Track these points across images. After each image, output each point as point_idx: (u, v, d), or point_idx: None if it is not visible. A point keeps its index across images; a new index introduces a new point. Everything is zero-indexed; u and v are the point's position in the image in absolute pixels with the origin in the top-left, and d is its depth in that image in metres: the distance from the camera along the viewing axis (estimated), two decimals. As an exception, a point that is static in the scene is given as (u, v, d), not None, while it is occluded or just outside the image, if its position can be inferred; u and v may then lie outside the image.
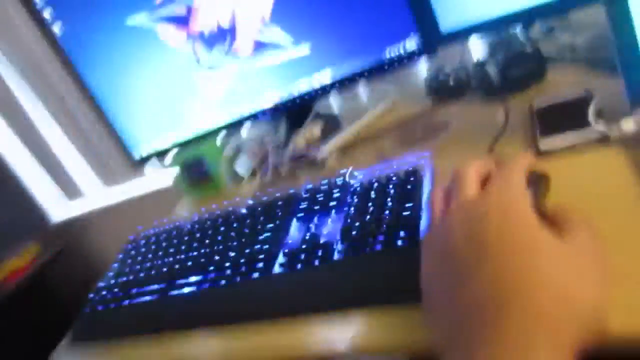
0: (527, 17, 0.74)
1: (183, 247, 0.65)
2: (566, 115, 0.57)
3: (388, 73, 0.90)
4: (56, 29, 0.96)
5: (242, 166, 0.95)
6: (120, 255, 0.73)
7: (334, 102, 1.33)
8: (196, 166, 0.93)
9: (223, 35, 0.90)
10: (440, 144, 0.68)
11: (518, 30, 0.81)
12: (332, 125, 0.96)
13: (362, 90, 1.29)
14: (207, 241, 0.63)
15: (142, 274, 0.65)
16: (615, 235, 0.39)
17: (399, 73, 1.00)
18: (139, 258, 0.68)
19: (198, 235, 0.66)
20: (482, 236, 0.36)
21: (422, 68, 1.21)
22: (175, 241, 0.67)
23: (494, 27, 0.78)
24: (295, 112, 0.98)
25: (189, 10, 0.89)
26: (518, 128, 0.63)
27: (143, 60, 0.95)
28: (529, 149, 0.56)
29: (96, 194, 1.95)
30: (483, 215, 0.37)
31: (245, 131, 1.07)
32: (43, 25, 0.96)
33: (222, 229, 0.64)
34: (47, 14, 0.95)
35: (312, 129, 0.92)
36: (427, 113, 0.83)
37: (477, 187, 0.40)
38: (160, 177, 1.65)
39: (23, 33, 1.66)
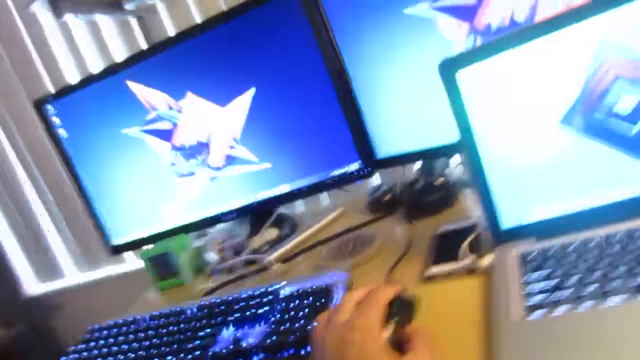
0: (446, 151, 0.91)
1: (135, 345, 0.75)
2: (454, 244, 0.70)
3: (336, 187, 1.05)
4: (62, 132, 1.12)
5: (207, 262, 1.08)
6: (78, 346, 0.83)
7: (297, 205, 1.49)
8: (163, 259, 1.05)
9: (200, 149, 1.06)
10: (363, 258, 0.81)
11: (442, 159, 0.97)
12: (289, 228, 1.10)
13: (322, 197, 1.45)
14: (154, 340, 0.74)
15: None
16: (457, 351, 0.51)
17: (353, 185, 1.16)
18: (95, 352, 0.79)
19: (149, 332, 0.77)
20: (344, 358, 0.48)
21: (375, 181, 1.37)
22: (130, 336, 0.78)
23: (419, 158, 0.95)
24: (258, 214, 1.12)
25: (174, 125, 1.06)
26: (422, 250, 0.77)
27: (132, 163, 1.11)
28: (421, 271, 0.70)
29: (73, 274, 2.06)
30: (346, 340, 0.49)
31: (215, 229, 1.20)
32: (51, 129, 1.12)
33: (170, 328, 0.75)
34: (56, 120, 1.12)
35: (268, 233, 1.05)
36: (363, 226, 0.97)
37: (350, 314, 0.53)
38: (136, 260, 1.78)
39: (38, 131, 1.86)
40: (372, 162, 0.98)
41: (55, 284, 2.10)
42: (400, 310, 0.55)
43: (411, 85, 0.88)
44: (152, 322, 0.80)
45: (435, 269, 0.66)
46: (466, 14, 0.79)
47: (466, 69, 0.62)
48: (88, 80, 1.07)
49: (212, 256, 1.09)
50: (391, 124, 0.93)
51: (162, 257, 1.06)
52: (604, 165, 0.59)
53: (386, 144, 0.96)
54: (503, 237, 0.64)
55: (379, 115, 0.94)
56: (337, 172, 1.00)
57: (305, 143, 1.00)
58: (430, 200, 0.87)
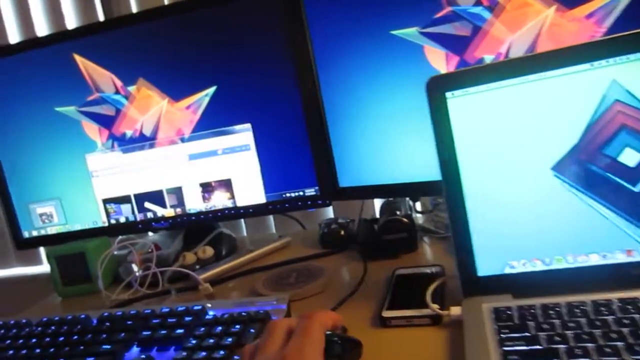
0: (413, 190, 0.83)
1: (9, 352, 0.60)
2: (416, 289, 0.61)
3: (286, 212, 0.95)
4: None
5: (126, 270, 0.93)
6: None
7: (239, 229, 1.37)
8: (75, 261, 0.90)
9: (142, 143, 0.93)
10: (305, 291, 0.70)
11: (407, 199, 0.89)
12: (227, 249, 0.97)
13: (269, 226, 1.34)
14: (36, 350, 0.59)
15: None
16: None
17: (309, 211, 1.05)
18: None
19: (31, 340, 0.62)
20: None
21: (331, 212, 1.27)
22: (7, 342, 0.63)
23: (384, 194, 0.86)
24: (195, 228, 0.99)
25: (117, 112, 0.93)
26: (375, 291, 0.67)
27: (58, 146, 0.96)
28: (373, 313, 0.59)
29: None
30: None
31: (142, 236, 1.06)
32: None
33: (59, 339, 0.61)
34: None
35: (203, 250, 0.92)
36: (310, 258, 0.86)
37: (281, 343, 0.42)
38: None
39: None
40: (331, 190, 0.88)
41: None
42: (342, 349, 0.45)
43: (387, 113, 0.80)
44: (37, 328, 0.65)
45: (393, 313, 0.56)
46: (457, 45, 0.73)
47: (456, 94, 0.55)
48: (29, 44, 0.93)
49: (131, 268, 0.94)
50: (359, 152, 0.84)
51: (74, 258, 0.91)
52: (595, 224, 0.53)
53: (350, 174, 0.87)
54: (475, 287, 0.55)
55: (347, 142, 0.86)
56: (290, 195, 0.90)
57: (260, 157, 0.89)
58: (390, 241, 0.78)
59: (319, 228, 0.95)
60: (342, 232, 0.90)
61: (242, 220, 1.36)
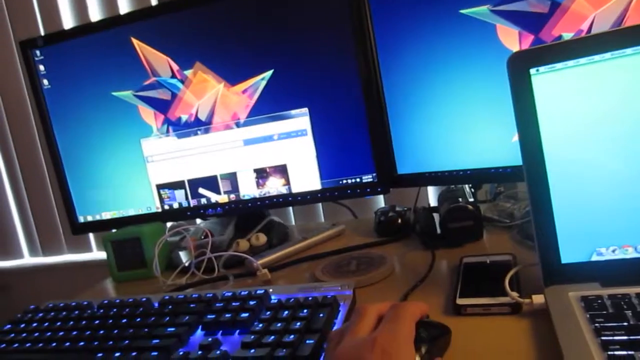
0: (476, 178, 0.80)
1: (74, 333, 0.60)
2: (488, 277, 0.59)
3: (341, 199, 0.93)
4: (45, 82, 0.98)
5: (181, 255, 0.93)
6: (5, 327, 0.67)
7: (290, 218, 1.35)
8: (131, 246, 0.90)
9: (197, 127, 0.93)
10: (369, 279, 0.68)
11: (467, 187, 0.86)
12: (279, 237, 0.96)
13: (319, 215, 1.32)
14: (100, 332, 0.59)
15: (28, 344, 0.60)
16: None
17: (360, 200, 1.03)
18: (23, 335, 0.63)
19: (95, 322, 0.62)
20: None
21: (381, 201, 1.25)
22: (70, 323, 0.63)
23: (444, 181, 0.83)
24: (247, 215, 0.99)
25: (173, 96, 0.93)
26: (442, 279, 0.64)
27: (115, 131, 0.97)
28: (444, 301, 0.57)
29: (28, 255, 1.87)
30: (366, 357, 0.36)
31: (192, 223, 1.06)
32: (33, 76, 0.98)
33: (121, 320, 0.61)
34: (41, 67, 0.98)
35: (256, 237, 0.91)
36: (370, 246, 0.84)
37: (370, 328, 0.40)
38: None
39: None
40: (389, 177, 0.86)
41: (6, 263, 1.90)
42: (431, 337, 0.42)
43: (452, 97, 0.77)
44: (99, 310, 0.65)
45: (468, 301, 0.53)
46: (533, 23, 0.69)
47: (541, 70, 0.52)
48: (86, 29, 0.94)
49: (184, 255, 0.94)
50: (419, 138, 0.82)
51: (129, 242, 0.91)
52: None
53: (408, 161, 0.84)
54: (558, 275, 0.52)
55: (407, 127, 0.83)
56: (347, 182, 0.88)
57: (316, 142, 0.88)
58: (455, 229, 0.75)
59: (374, 216, 0.93)
60: (400, 221, 0.88)
61: (291, 208, 1.35)
